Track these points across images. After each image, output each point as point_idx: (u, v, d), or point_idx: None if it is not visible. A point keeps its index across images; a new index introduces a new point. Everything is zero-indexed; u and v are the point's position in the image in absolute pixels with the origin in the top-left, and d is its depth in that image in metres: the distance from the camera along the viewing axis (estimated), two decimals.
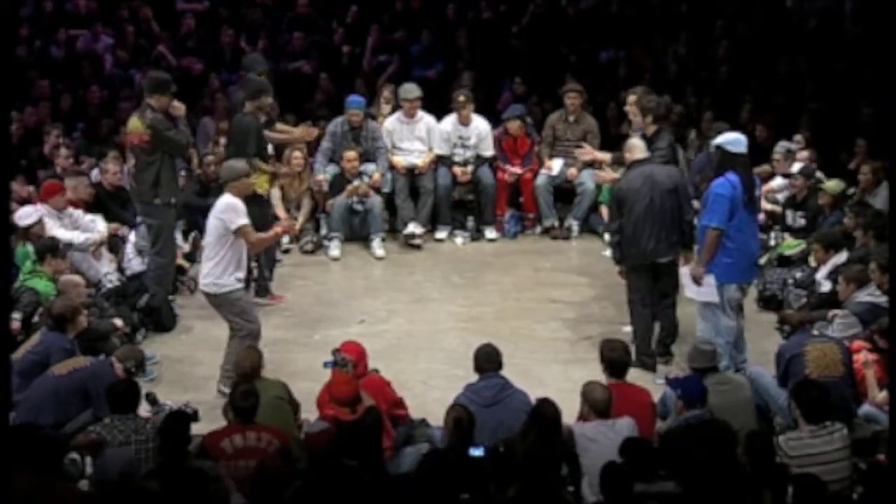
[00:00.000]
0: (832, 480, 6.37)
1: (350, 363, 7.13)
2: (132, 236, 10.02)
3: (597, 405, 6.72)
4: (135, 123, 9.17)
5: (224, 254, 8.03)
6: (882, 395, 7.39)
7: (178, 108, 9.30)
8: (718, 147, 8.18)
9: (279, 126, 10.49)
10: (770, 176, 11.06)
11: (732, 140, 8.19)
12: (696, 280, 8.10)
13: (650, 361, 8.56)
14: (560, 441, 6.53)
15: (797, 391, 6.92)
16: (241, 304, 8.22)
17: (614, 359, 7.21)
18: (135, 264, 9.83)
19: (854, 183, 10.45)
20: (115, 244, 9.91)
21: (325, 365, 7.17)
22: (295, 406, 7.40)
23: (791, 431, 6.80)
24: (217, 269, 8.05)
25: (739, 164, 8.11)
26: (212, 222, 8.12)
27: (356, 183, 10.93)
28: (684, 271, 8.31)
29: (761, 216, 10.64)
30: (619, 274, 8.87)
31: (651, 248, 8.43)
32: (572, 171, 11.37)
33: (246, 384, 6.93)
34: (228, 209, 8.03)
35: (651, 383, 7.90)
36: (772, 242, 10.20)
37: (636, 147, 8.68)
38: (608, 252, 10.84)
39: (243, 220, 8.02)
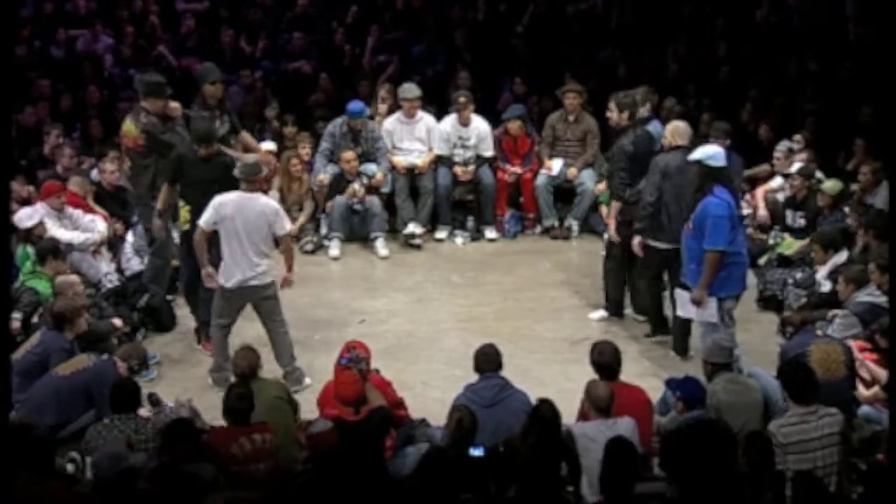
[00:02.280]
0: (821, 466, 6.43)
1: (363, 361, 7.14)
2: (129, 236, 10.02)
3: (598, 402, 6.71)
4: (128, 127, 9.14)
5: (270, 250, 8.29)
6: (870, 392, 7.40)
7: (175, 108, 9.26)
8: (698, 162, 8.13)
9: (244, 136, 9.87)
10: (770, 176, 11.07)
11: (712, 154, 8.12)
12: (698, 303, 8.10)
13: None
14: (560, 441, 6.53)
15: (785, 373, 6.93)
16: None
17: (603, 363, 7.17)
18: (133, 264, 9.84)
19: (853, 181, 10.46)
20: (114, 244, 9.92)
21: (340, 362, 7.15)
22: (294, 406, 7.40)
23: (781, 418, 6.78)
24: (271, 263, 8.28)
25: (723, 178, 8.12)
26: (257, 222, 8.16)
27: (355, 186, 10.92)
28: (680, 293, 8.29)
29: (763, 214, 10.67)
30: (636, 245, 8.89)
31: (676, 233, 8.46)
32: (572, 170, 11.37)
33: (239, 387, 6.92)
34: (279, 215, 8.29)
35: (642, 380, 7.83)
36: (771, 241, 10.22)
37: (685, 133, 8.74)
38: None
39: (290, 226, 8.47)
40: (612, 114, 9.24)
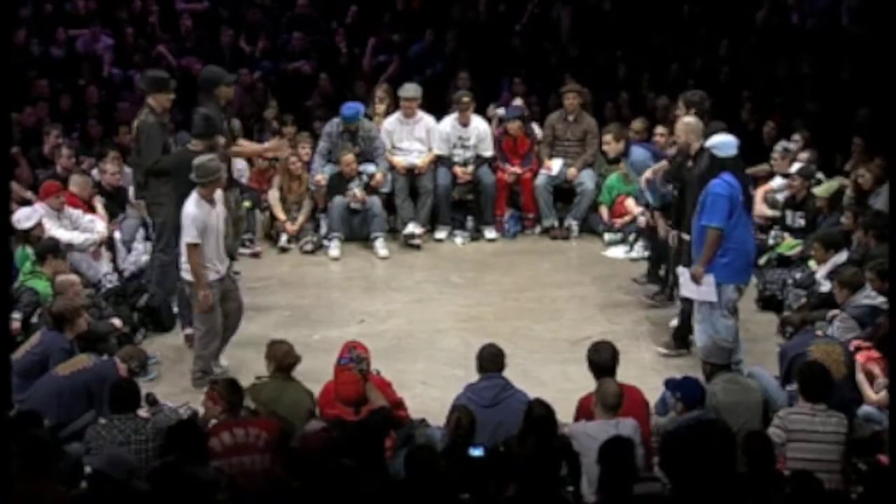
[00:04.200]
0: (821, 460, 6.47)
1: (365, 360, 7.14)
2: (117, 234, 10.01)
3: (609, 399, 6.68)
4: (135, 122, 9.24)
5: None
6: (878, 396, 7.38)
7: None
8: (707, 150, 8.16)
9: (241, 142, 10.03)
10: (770, 175, 11.07)
11: (722, 143, 8.15)
12: (696, 279, 8.12)
13: None
14: (558, 439, 6.53)
15: (800, 370, 6.98)
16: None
17: (599, 361, 7.13)
18: (130, 264, 9.84)
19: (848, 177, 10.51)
20: (113, 244, 9.92)
21: (340, 362, 7.15)
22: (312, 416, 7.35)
23: (791, 407, 6.89)
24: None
25: (731, 166, 8.12)
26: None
27: (355, 191, 10.91)
28: (682, 271, 8.32)
29: (766, 211, 10.67)
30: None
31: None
32: (572, 171, 11.37)
33: (231, 379, 6.92)
34: (186, 217, 8.07)
35: (641, 380, 7.78)
36: (771, 241, 10.22)
37: (699, 128, 8.66)
38: (608, 252, 10.93)
39: (188, 237, 8.06)
40: (681, 111, 9.11)
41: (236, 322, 8.63)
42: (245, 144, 10.18)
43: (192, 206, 8.09)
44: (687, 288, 8.28)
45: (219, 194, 8.32)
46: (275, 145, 10.53)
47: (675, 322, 8.98)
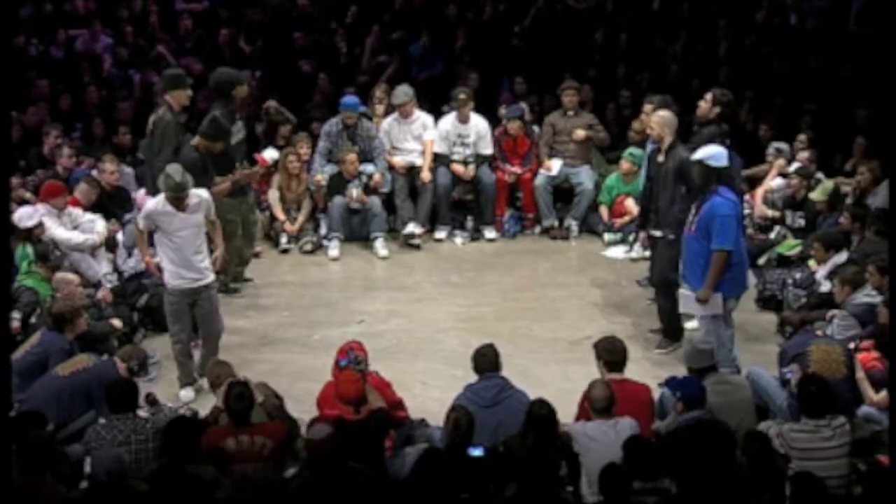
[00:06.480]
0: (830, 476, 6.38)
1: (363, 361, 7.14)
2: (120, 236, 10.00)
3: (596, 403, 6.72)
4: (151, 117, 9.22)
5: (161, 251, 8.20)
6: (880, 396, 7.38)
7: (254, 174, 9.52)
8: (699, 162, 8.07)
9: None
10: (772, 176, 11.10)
11: (715, 154, 8.06)
12: (705, 302, 7.99)
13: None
14: (557, 439, 6.54)
15: (798, 384, 6.95)
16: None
17: (611, 359, 7.18)
18: (130, 265, 9.83)
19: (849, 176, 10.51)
20: (112, 244, 9.91)
21: (339, 363, 7.16)
22: (281, 399, 7.42)
23: (794, 423, 6.80)
24: (167, 267, 8.21)
25: (725, 178, 8.08)
26: None
27: (353, 193, 10.91)
28: (684, 293, 8.22)
29: (766, 211, 10.68)
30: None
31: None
32: (579, 133, 11.29)
33: (239, 386, 6.89)
34: (146, 205, 8.23)
35: (641, 380, 7.71)
36: (773, 236, 10.23)
37: (673, 123, 8.67)
38: (608, 252, 10.93)
39: (137, 219, 8.39)
40: (706, 103, 9.06)
41: (214, 330, 8.42)
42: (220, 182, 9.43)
43: (153, 201, 8.19)
44: (689, 307, 8.18)
45: (199, 210, 8.16)
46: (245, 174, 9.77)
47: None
